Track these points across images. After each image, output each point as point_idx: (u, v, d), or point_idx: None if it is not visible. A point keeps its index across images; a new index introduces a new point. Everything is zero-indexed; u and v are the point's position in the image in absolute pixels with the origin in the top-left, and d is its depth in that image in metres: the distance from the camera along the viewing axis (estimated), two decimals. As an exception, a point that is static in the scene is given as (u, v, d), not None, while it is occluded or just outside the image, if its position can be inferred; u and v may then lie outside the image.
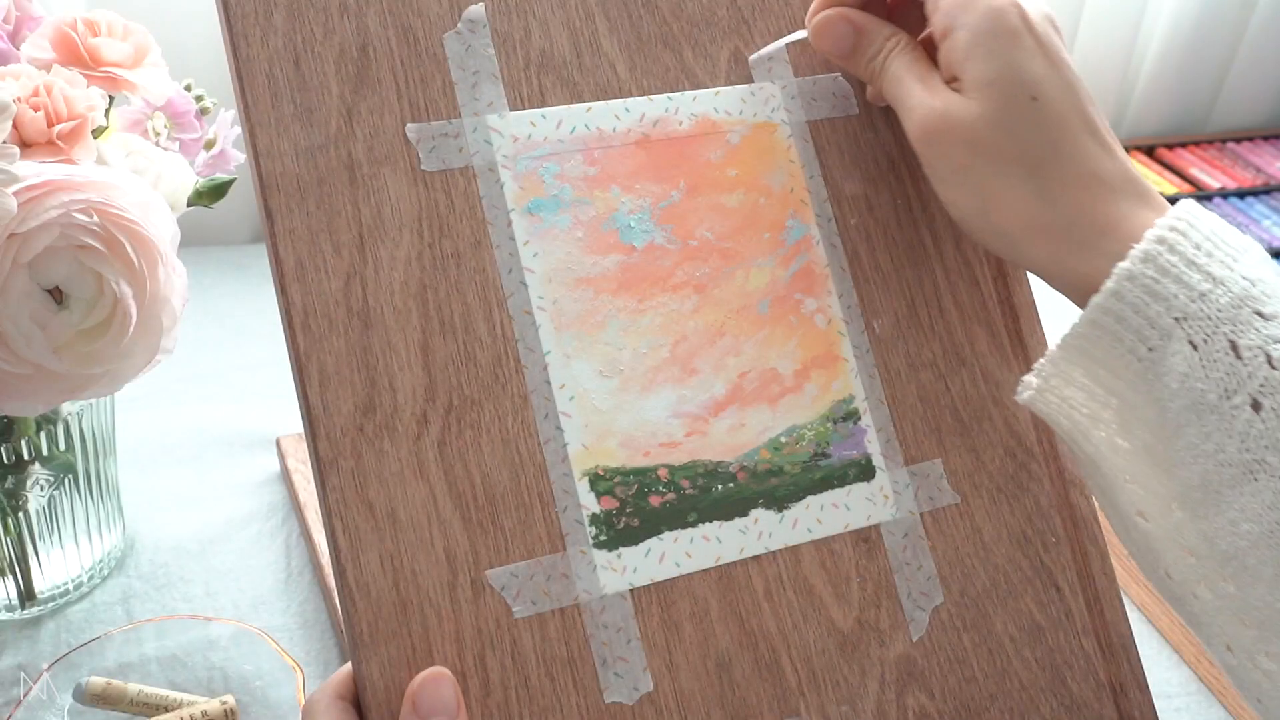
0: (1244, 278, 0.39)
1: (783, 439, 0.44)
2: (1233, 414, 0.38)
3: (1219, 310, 0.39)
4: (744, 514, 0.43)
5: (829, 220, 0.47)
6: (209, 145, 0.62)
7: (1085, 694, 0.46)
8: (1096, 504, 0.45)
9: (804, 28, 0.48)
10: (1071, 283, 0.42)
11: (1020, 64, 0.42)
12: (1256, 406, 0.38)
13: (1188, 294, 0.39)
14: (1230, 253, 0.40)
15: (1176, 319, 0.39)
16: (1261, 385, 0.38)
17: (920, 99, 0.44)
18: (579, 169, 0.44)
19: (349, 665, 0.39)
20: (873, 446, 0.45)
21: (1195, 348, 0.39)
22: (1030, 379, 0.43)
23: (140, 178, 0.54)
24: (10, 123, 0.48)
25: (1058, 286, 0.43)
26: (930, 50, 0.47)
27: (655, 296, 0.44)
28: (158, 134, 0.59)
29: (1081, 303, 0.41)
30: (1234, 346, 0.38)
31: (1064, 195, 0.42)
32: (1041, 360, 0.42)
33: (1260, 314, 0.38)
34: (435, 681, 0.38)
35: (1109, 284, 0.40)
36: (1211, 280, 0.39)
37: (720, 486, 0.43)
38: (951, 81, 0.44)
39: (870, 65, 0.46)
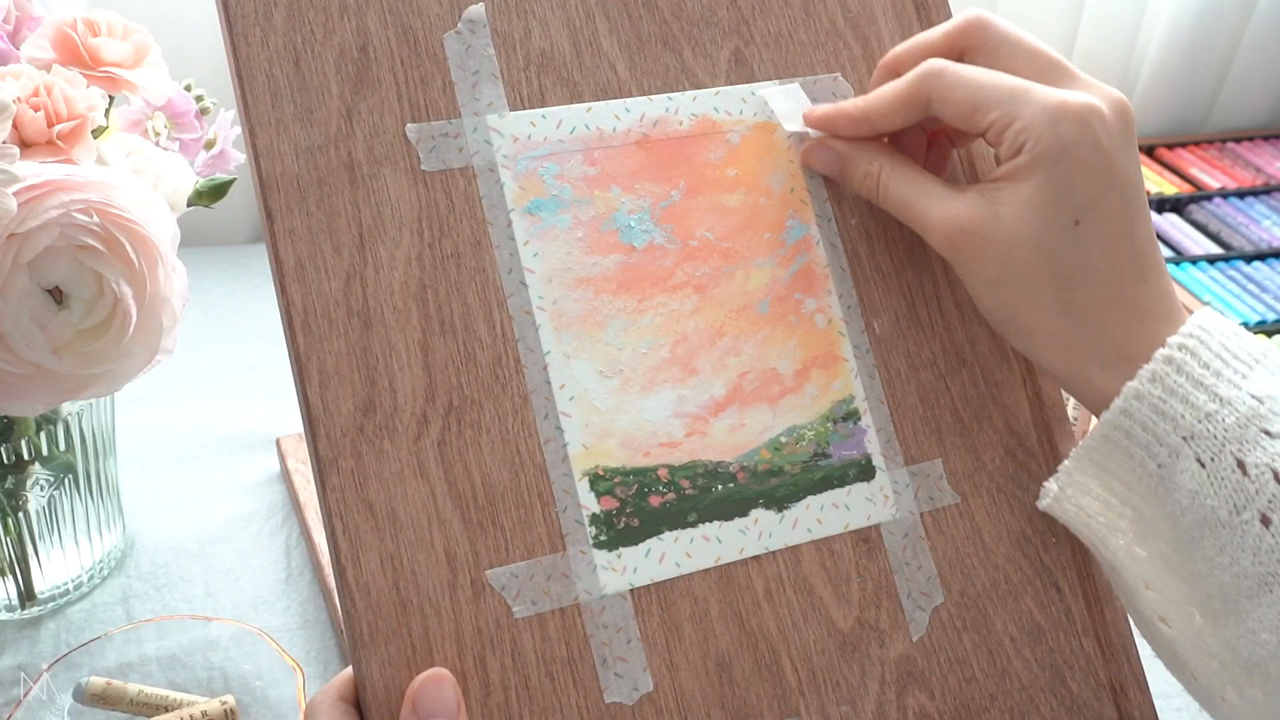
0: (1252, 396, 0.40)
1: (783, 439, 0.44)
2: (1243, 529, 0.39)
3: (1225, 430, 0.39)
4: (744, 514, 0.43)
5: (829, 220, 0.47)
6: (209, 145, 0.62)
7: (1085, 694, 0.46)
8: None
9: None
10: (1087, 395, 0.42)
11: (1074, 187, 0.41)
12: (1266, 521, 0.38)
13: (1194, 414, 0.40)
14: (1240, 369, 0.40)
15: (1184, 438, 0.40)
16: (1270, 501, 0.38)
17: (940, 214, 0.43)
18: (579, 169, 0.44)
19: (350, 668, 0.39)
20: (873, 446, 0.45)
21: (1203, 465, 0.39)
22: (1050, 485, 0.44)
23: (140, 178, 0.54)
24: (10, 123, 0.48)
25: (1075, 396, 0.43)
26: (915, 150, 0.47)
27: (655, 296, 0.44)
28: (158, 134, 0.59)
29: (1098, 414, 0.42)
30: (1241, 465, 0.39)
31: (1091, 316, 0.42)
32: (1060, 467, 0.44)
33: (1267, 432, 0.39)
34: (436, 682, 0.38)
35: (1118, 402, 0.41)
36: (1218, 400, 0.40)
37: (720, 486, 0.43)
38: (994, 180, 0.43)
39: (864, 185, 0.46)
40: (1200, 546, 0.40)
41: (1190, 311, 0.43)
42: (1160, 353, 0.40)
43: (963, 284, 0.46)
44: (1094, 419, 0.42)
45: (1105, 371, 0.42)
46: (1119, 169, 0.41)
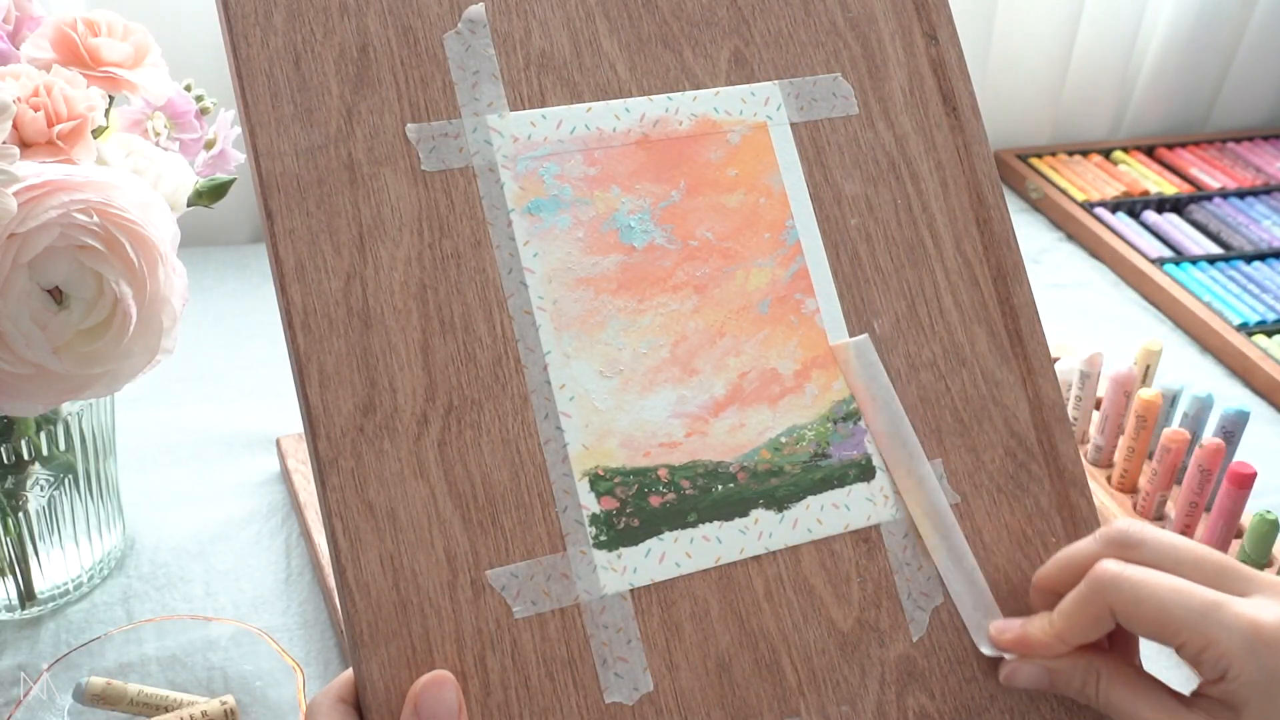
0: None
1: (783, 439, 0.44)
2: None
3: None
4: (744, 514, 0.43)
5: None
6: (209, 145, 0.62)
7: (1085, 694, 0.46)
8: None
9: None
10: None
11: None
12: None
13: None
14: None
15: None
16: None
17: None
18: (579, 169, 0.44)
19: (351, 670, 0.39)
20: (872, 447, 0.45)
21: None
22: None
23: (140, 178, 0.54)
24: (10, 123, 0.48)
25: None
26: (1127, 649, 0.45)
27: (655, 296, 0.44)
28: (158, 134, 0.59)
29: None
30: None
31: None
32: None
33: None
34: (438, 685, 0.38)
35: None
36: None
37: (720, 487, 0.43)
38: (1212, 698, 0.41)
39: (1083, 694, 0.43)
40: None
41: None
42: None
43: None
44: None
45: None
46: None
